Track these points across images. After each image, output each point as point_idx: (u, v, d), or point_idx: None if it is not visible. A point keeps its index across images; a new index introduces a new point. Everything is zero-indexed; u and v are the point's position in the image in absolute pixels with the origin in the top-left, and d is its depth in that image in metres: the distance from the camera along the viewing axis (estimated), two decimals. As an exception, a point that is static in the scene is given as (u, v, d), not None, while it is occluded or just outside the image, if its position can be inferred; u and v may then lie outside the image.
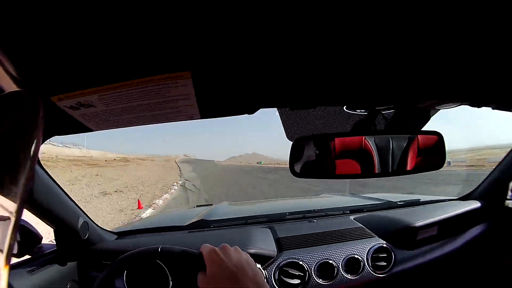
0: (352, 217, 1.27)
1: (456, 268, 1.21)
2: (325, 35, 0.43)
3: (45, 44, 0.38)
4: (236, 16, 0.37)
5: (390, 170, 0.85)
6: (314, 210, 1.36)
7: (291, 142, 0.78)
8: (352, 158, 0.85)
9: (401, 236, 1.10)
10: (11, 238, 0.22)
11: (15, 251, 0.85)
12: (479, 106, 0.91)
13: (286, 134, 0.84)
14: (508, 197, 1.26)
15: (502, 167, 1.24)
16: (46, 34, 0.36)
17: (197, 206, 1.75)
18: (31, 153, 0.27)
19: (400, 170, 0.86)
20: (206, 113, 0.66)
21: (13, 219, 0.23)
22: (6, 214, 0.23)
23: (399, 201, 1.45)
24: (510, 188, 1.25)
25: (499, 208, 1.25)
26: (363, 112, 0.85)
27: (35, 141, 0.28)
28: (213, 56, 0.47)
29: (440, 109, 0.86)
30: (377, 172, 0.85)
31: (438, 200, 1.44)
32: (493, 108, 0.93)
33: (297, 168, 0.80)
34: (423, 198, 1.49)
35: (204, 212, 1.48)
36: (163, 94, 0.54)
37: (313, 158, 0.83)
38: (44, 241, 0.94)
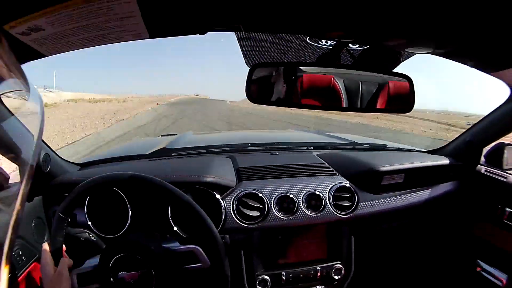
0: (315, 153, 1.24)
1: (419, 223, 1.21)
2: None
3: None
4: None
5: (357, 106, 0.83)
6: (277, 143, 1.34)
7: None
8: (318, 91, 0.84)
9: (365, 178, 1.08)
10: (11, 237, 0.21)
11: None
12: (454, 59, 0.86)
13: (244, 59, 0.84)
14: (481, 163, 1.23)
15: (475, 131, 1.20)
16: None
17: (161, 135, 1.75)
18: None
19: (367, 107, 0.84)
20: (154, 31, 0.66)
21: (13, 218, 0.21)
22: (5, 212, 0.22)
23: (365, 143, 1.42)
24: (484, 154, 1.22)
25: (470, 171, 1.23)
26: (327, 45, 0.83)
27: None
28: None
29: (410, 53, 0.82)
30: (344, 106, 0.83)
31: (405, 149, 1.40)
32: (470, 66, 0.88)
33: (254, 93, 0.80)
34: (390, 145, 1.45)
35: (167, 141, 1.48)
36: (108, 12, 0.54)
37: (275, 86, 0.83)
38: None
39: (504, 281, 1.07)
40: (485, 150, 1.22)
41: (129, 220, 0.91)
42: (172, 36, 0.74)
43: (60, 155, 1.04)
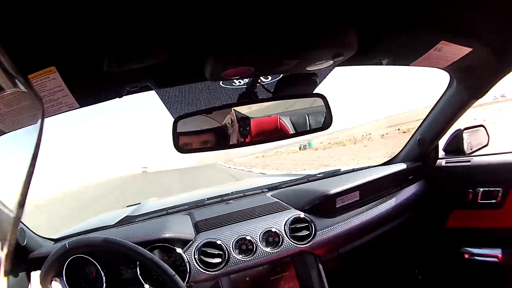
0: (269, 194, 1.28)
1: (391, 232, 1.18)
2: None
3: None
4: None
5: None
6: (232, 192, 1.37)
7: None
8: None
9: (319, 205, 1.09)
10: (9, 246, 0.21)
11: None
12: (365, 63, 0.89)
13: (170, 113, 0.91)
14: (440, 157, 1.22)
15: (424, 127, 1.19)
16: None
17: (127, 206, 1.76)
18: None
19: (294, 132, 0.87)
20: (82, 101, 0.75)
21: (12, 222, 0.22)
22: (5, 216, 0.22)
23: (318, 173, 1.43)
24: (442, 147, 1.21)
25: (430, 168, 1.21)
26: (241, 84, 0.88)
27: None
28: (70, 49, 0.59)
29: (315, 69, 0.85)
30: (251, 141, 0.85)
31: (359, 168, 1.41)
32: (386, 64, 0.90)
33: (179, 144, 0.86)
34: (344, 168, 1.46)
35: (131, 209, 1.54)
36: (42, 88, 0.65)
37: (195, 133, 0.88)
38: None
39: (500, 256, 1.05)
40: (442, 143, 1.21)
41: (104, 284, 0.95)
42: (97, 103, 0.82)
43: (34, 232, 1.08)
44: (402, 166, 1.23)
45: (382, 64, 0.88)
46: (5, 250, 0.21)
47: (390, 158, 1.38)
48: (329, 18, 0.63)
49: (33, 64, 0.60)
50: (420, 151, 1.22)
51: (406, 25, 0.68)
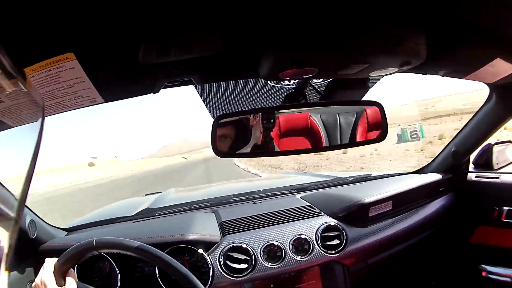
0: (298, 196, 1.23)
1: (417, 245, 1.16)
2: None
3: None
4: None
5: (337, 143, 0.80)
6: (259, 190, 1.32)
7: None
8: (296, 133, 0.81)
9: (351, 213, 1.06)
10: (10, 241, 0.21)
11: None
12: (423, 72, 0.85)
13: (209, 112, 0.81)
14: (470, 170, 1.21)
15: (459, 139, 1.18)
16: None
17: (146, 194, 1.72)
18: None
19: (347, 142, 0.81)
20: (108, 95, 0.64)
21: (13, 220, 0.22)
22: (6, 215, 0.22)
23: (349, 177, 1.40)
24: (472, 161, 1.20)
25: (460, 182, 1.20)
26: (290, 84, 0.80)
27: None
28: (95, 34, 0.47)
29: (375, 76, 0.80)
30: (324, 145, 0.80)
31: (391, 175, 1.38)
32: (442, 76, 0.86)
33: (222, 147, 0.77)
34: (375, 173, 1.43)
35: (151, 200, 1.48)
36: (56, 79, 0.54)
37: (246, 136, 0.79)
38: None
39: None
40: (472, 156, 1.20)
41: (119, 282, 0.89)
42: (127, 98, 0.71)
43: (46, 221, 1.03)
44: (434, 177, 1.20)
45: (439, 75, 0.85)
46: (6, 249, 0.21)
47: (421, 167, 1.36)
48: (402, 25, 0.58)
49: (45, 49, 0.49)
50: (453, 163, 1.20)
51: (470, 39, 0.66)
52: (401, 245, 1.11)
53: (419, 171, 1.35)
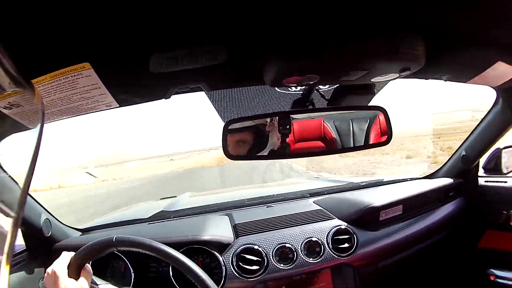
0: (311, 200, 1.24)
1: (426, 250, 1.17)
2: None
3: None
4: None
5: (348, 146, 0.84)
6: (273, 195, 1.35)
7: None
8: (309, 137, 0.84)
9: (362, 216, 1.07)
10: (12, 236, 0.21)
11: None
12: (426, 78, 0.86)
13: (220, 116, 0.84)
14: (480, 174, 1.21)
15: (468, 143, 1.18)
16: None
17: (161, 199, 1.76)
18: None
19: (348, 146, 0.84)
20: (122, 100, 0.68)
21: (14, 216, 0.22)
22: (7, 211, 0.23)
23: (361, 182, 1.42)
24: (481, 165, 1.20)
25: (471, 186, 1.20)
26: (297, 91, 0.83)
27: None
28: (109, 45, 0.52)
29: (379, 82, 0.82)
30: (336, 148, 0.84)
31: (402, 180, 1.39)
32: (445, 80, 0.87)
33: (232, 150, 0.80)
34: (386, 178, 1.44)
35: (166, 204, 1.50)
36: (74, 85, 0.59)
37: (255, 140, 0.82)
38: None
39: None
40: (482, 161, 1.20)
41: (132, 281, 0.91)
42: (140, 103, 0.75)
43: (61, 221, 1.05)
44: (445, 181, 1.21)
45: (442, 80, 0.86)
46: (6, 249, 0.21)
47: (432, 172, 1.36)
48: (401, 31, 0.59)
49: (64, 58, 0.53)
50: (463, 168, 1.20)
51: (469, 43, 0.67)
52: (411, 249, 1.11)
53: (429, 176, 1.35)
